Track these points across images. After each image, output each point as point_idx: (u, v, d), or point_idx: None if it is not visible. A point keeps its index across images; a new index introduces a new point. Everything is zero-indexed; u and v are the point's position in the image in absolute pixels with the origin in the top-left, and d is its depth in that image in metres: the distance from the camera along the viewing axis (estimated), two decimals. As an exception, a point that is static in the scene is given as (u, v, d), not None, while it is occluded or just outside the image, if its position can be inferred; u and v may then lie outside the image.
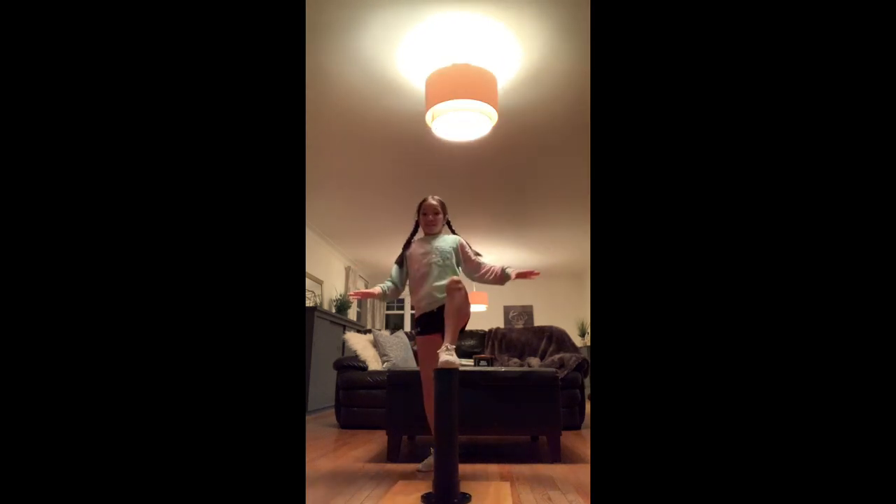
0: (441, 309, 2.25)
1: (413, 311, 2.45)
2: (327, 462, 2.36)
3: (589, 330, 8.28)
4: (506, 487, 1.84)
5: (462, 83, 2.57)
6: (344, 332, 5.24)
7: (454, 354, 2.01)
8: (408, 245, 2.47)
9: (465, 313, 2.15)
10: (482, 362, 4.18)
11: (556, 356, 3.76)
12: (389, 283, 2.43)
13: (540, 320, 8.68)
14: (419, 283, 2.34)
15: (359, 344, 3.97)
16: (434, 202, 2.41)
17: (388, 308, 9.13)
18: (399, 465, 2.29)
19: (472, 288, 9.28)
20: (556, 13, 2.42)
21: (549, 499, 1.69)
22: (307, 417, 4.38)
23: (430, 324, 2.29)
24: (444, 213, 2.45)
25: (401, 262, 2.47)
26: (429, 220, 2.39)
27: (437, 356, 2.17)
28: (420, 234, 2.47)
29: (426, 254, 2.35)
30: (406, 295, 9.16)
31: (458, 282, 2.13)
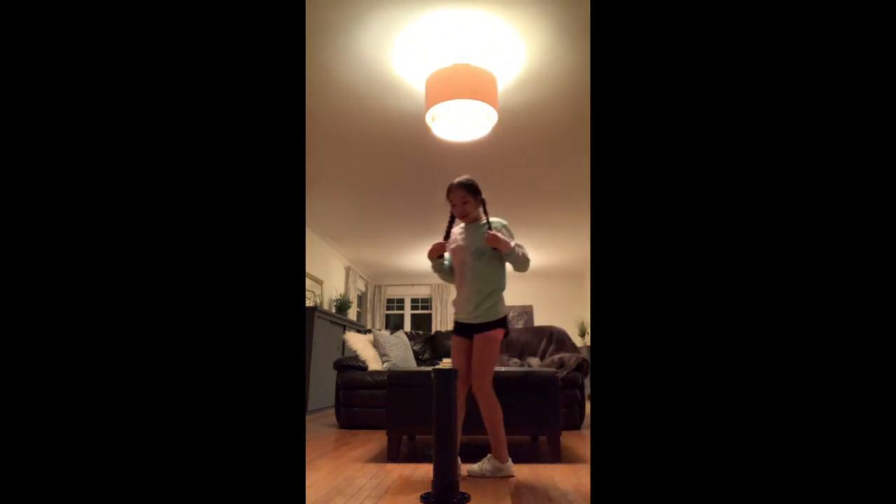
0: (474, 327, 2.05)
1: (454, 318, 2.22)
2: (327, 462, 2.36)
3: (589, 330, 8.28)
4: (505, 487, 1.84)
5: (462, 83, 2.57)
6: (344, 332, 5.23)
7: (488, 465, 1.96)
8: (447, 234, 2.16)
9: (490, 397, 1.98)
10: (482, 362, 4.17)
11: (556, 356, 3.76)
12: (448, 263, 2.17)
13: (540, 320, 8.68)
14: (460, 282, 2.11)
15: (359, 344, 3.97)
16: (457, 185, 2.06)
17: (387, 308, 9.12)
18: (399, 464, 2.29)
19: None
20: (556, 12, 2.42)
21: (550, 499, 1.69)
22: (307, 417, 4.38)
23: (463, 330, 2.11)
24: (477, 195, 2.08)
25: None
26: (457, 208, 2.08)
27: (463, 356, 2.03)
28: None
29: (461, 248, 2.09)
30: (405, 295, 9.14)
31: (482, 383, 1.96)
